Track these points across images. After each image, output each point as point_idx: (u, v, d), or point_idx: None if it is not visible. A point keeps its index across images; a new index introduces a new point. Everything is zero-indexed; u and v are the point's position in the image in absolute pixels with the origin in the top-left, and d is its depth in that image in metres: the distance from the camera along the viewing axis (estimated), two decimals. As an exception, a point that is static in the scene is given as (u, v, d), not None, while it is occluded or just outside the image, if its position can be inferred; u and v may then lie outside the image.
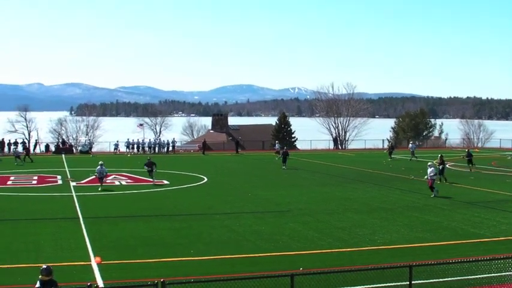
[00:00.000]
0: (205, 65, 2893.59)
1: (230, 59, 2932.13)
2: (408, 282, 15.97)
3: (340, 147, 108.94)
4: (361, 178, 48.70)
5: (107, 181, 45.74)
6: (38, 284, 14.06)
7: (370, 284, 18.06)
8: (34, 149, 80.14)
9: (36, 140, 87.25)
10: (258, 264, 21.20)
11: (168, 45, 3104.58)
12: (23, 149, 70.34)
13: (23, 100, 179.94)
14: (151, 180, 45.42)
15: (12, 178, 47.99)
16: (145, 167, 45.71)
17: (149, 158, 45.95)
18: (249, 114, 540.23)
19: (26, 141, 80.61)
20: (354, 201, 36.44)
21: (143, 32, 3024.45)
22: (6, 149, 78.25)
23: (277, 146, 73.13)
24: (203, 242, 24.72)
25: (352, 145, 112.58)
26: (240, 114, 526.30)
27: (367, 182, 46.09)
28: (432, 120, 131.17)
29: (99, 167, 41.25)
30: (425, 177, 39.66)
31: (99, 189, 40.35)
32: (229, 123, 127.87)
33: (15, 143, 77.30)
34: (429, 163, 40.39)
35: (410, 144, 71.34)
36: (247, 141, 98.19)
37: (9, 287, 16.89)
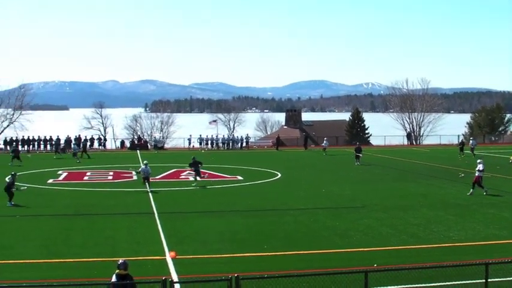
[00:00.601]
0: (278, 61, 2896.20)
1: (303, 54, 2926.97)
2: (484, 280, 15.71)
3: (414, 143, 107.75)
4: (436, 174, 48.03)
5: (182, 176, 46.20)
6: (114, 278, 14.24)
7: (445, 282, 17.82)
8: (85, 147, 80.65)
9: (89, 137, 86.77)
10: (332, 260, 21.11)
11: (242, 41, 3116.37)
12: (81, 146, 70.74)
13: (98, 97, 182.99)
14: (224, 175, 45.69)
15: (88, 174, 48.78)
16: (190, 167, 43.19)
17: (194, 157, 43.95)
18: (322, 110, 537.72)
19: (82, 138, 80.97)
20: (428, 197, 35.98)
21: (216, 29, 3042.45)
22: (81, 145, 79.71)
23: (324, 143, 71.88)
24: (277, 238, 24.73)
25: (426, 140, 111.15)
26: (313, 110, 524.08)
27: (442, 178, 45.46)
28: (508, 115, 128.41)
29: (143, 166, 39.43)
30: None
31: (148, 189, 38.51)
32: (302, 119, 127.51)
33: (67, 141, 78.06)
34: (478, 160, 39.26)
35: (471, 141, 69.53)
36: (320, 137, 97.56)
37: (85, 280, 17.17)
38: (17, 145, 71.43)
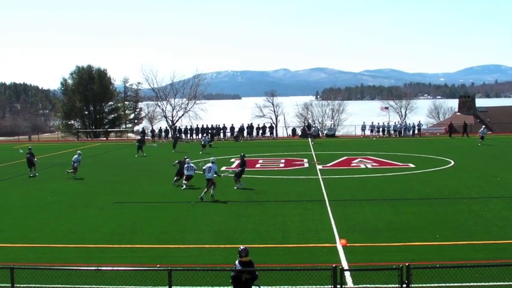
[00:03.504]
0: (451, 46, 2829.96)
1: (477, 38, 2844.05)
2: None
3: None
4: None
5: (353, 164, 46.17)
6: (238, 266, 14.42)
7: None
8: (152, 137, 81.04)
9: (261, 125, 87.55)
10: (507, 251, 20.47)
11: (412, 27, 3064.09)
12: (210, 136, 71.38)
13: (270, 86, 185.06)
14: (395, 163, 45.38)
15: (260, 161, 49.59)
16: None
17: (243, 154, 37.64)
18: (497, 96, 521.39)
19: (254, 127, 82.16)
20: None
21: (387, 16, 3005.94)
22: (254, 133, 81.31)
23: (481, 130, 67.46)
24: (449, 227, 24.27)
25: None
26: (487, 96, 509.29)
27: None
28: None
29: (210, 164, 33.29)
30: None
31: (183, 187, 36.18)
32: (476, 105, 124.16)
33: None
34: None
35: (481, 129, 65.32)
36: (495, 123, 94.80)
37: (257, 266, 17.57)
38: (143, 136, 71.89)
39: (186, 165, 36.68)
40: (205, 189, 32.34)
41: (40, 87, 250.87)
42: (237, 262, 14.61)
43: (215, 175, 32.84)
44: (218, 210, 29.00)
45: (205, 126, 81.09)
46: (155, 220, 26.82)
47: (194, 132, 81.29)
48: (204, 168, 33.28)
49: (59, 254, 21.14)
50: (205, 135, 70.65)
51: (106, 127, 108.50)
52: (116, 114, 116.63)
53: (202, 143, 60.91)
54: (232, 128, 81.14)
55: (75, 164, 42.02)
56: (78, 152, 44.43)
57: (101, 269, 16.85)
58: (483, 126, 67.85)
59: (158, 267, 17.95)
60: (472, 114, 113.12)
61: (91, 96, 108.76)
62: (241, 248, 14.75)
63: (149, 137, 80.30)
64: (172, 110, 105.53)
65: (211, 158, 35.01)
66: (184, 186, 36.11)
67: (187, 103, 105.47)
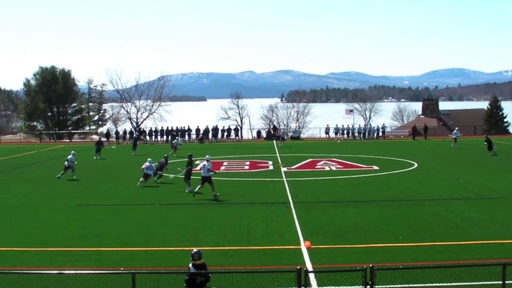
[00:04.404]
0: (415, 49, 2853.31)
1: (441, 42, 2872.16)
2: None
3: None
4: None
5: (317, 166, 46.38)
6: (191, 268, 14.46)
7: None
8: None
9: (226, 127, 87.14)
10: (469, 251, 20.74)
11: (378, 30, 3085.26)
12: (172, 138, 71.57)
13: (235, 88, 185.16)
14: (360, 165, 45.66)
15: (225, 163, 49.58)
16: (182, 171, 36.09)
17: (190, 154, 37.15)
18: (460, 99, 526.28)
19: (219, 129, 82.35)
20: None
21: (351, 18, 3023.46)
22: (219, 135, 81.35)
23: (454, 132, 67.49)
24: (412, 229, 24.46)
25: None
26: (450, 99, 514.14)
27: None
28: None
29: (205, 162, 33.73)
30: None
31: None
32: (439, 108, 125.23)
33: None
34: None
35: (454, 131, 65.93)
36: (458, 126, 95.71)
37: (221, 268, 17.54)
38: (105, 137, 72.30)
39: (148, 165, 37.52)
40: (201, 186, 33.04)
41: (2, 88, 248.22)
42: (190, 265, 14.64)
43: (210, 173, 33.25)
44: (183, 212, 28.96)
45: (169, 128, 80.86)
46: (119, 223, 26.69)
47: (159, 134, 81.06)
48: (200, 167, 34.30)
49: (21, 257, 20.93)
50: (177, 137, 70.49)
51: (69, 129, 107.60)
52: (79, 116, 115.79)
53: (174, 145, 60.56)
54: (197, 130, 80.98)
55: (71, 164, 41.87)
56: (72, 152, 44.23)
57: (63, 273, 16.72)
58: (456, 128, 67.76)
59: (122, 270, 17.87)
60: (436, 117, 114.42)
61: (54, 97, 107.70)
62: (194, 251, 14.81)
63: (113, 139, 79.83)
64: (137, 112, 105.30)
65: (207, 156, 35.14)
66: (138, 184, 37.28)
67: (152, 105, 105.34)
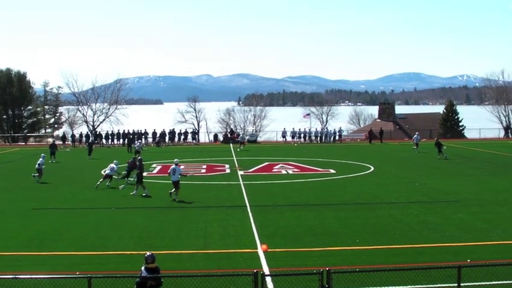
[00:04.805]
0: (372, 54, 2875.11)
1: (398, 46, 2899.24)
2: None
3: (511, 136, 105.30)
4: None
5: (274, 170, 46.42)
6: (144, 272, 14.38)
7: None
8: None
9: (183, 131, 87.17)
10: (424, 254, 20.90)
11: (335, 34, 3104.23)
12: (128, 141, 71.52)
13: (192, 91, 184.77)
14: (316, 169, 45.86)
15: (182, 167, 49.28)
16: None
17: (138, 157, 39.05)
18: (416, 103, 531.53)
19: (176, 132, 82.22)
20: (526, 192, 35.17)
21: (310, 22, 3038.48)
22: (176, 138, 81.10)
23: (415, 137, 67.58)
24: (368, 232, 24.61)
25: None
26: (407, 103, 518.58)
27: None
28: None
29: (173, 166, 33.89)
30: None
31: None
32: (396, 112, 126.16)
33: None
34: None
35: (415, 135, 66.41)
36: (414, 130, 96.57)
37: (178, 272, 17.43)
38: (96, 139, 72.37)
39: (112, 166, 38.24)
40: (176, 191, 33.07)
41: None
42: (143, 268, 14.53)
43: (180, 176, 33.41)
44: (139, 216, 28.77)
45: (126, 132, 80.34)
46: (75, 226, 26.42)
47: (115, 137, 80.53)
48: (168, 171, 33.86)
49: (-25, 262, 20.63)
50: (139, 141, 69.99)
51: (25, 132, 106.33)
52: (35, 119, 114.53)
53: (136, 148, 59.89)
54: (154, 134, 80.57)
55: (41, 167, 41.50)
56: (42, 155, 44.12)
57: (18, 277, 16.46)
58: (417, 133, 67.73)
59: (77, 274, 17.69)
60: (392, 121, 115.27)
61: (10, 100, 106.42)
62: (148, 254, 14.68)
63: (69, 142, 79.08)
64: (93, 115, 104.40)
65: (175, 160, 35.30)
66: (98, 183, 37.92)
67: (109, 108, 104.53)
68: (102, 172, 37.52)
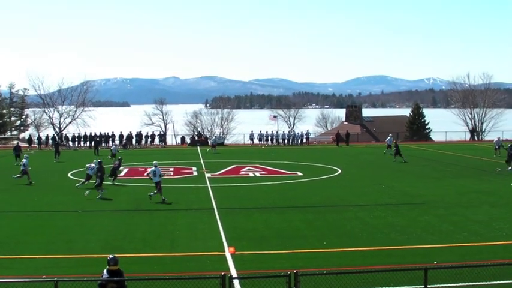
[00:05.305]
0: (339, 57, 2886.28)
1: (365, 50, 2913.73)
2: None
3: (476, 139, 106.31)
4: (499, 171, 47.20)
5: (242, 172, 46.44)
6: (105, 274, 14.32)
7: (506, 280, 17.56)
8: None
9: (150, 133, 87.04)
10: (391, 257, 21.03)
11: (302, 37, 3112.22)
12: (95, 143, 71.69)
13: (159, 94, 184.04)
14: (283, 171, 45.99)
15: (149, 170, 49.07)
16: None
17: (100, 161, 37.74)
18: (383, 106, 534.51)
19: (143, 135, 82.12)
20: (491, 194, 35.45)
21: (277, 25, 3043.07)
22: (143, 141, 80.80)
23: (388, 139, 67.34)
24: (336, 234, 24.70)
25: (489, 136, 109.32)
26: (374, 106, 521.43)
27: (506, 174, 44.66)
28: None
29: (153, 168, 34.53)
30: None
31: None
32: (363, 115, 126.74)
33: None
34: None
35: (388, 138, 65.58)
36: (381, 133, 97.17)
37: (145, 275, 17.38)
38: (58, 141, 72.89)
39: (91, 166, 38.35)
40: (159, 192, 33.31)
41: None
42: (105, 271, 14.43)
43: (160, 178, 33.92)
44: (106, 219, 28.62)
45: (92, 134, 79.82)
46: (41, 230, 26.21)
47: (82, 139, 79.98)
48: (148, 173, 34.59)
49: None
50: (114, 143, 69.57)
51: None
52: (0, 121, 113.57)
53: (113, 151, 59.35)
54: (120, 136, 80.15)
55: (25, 168, 41.24)
56: (26, 155, 44.22)
57: (-17, 281, 16.34)
58: (390, 135, 67.48)
59: (44, 278, 17.54)
60: (359, 124, 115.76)
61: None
62: (110, 257, 14.55)
63: (36, 145, 78.47)
64: (60, 117, 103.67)
65: (154, 162, 35.56)
66: (78, 184, 38.09)
67: (75, 110, 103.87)
68: (69, 175, 37.08)
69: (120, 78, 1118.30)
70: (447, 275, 16.68)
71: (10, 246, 23.01)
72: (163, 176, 36.75)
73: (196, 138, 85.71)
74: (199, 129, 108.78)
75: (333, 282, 16.27)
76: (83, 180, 38.47)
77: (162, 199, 33.06)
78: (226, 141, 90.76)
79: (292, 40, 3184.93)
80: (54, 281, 13.98)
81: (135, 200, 33.34)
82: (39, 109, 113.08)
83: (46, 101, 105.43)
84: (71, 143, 79.37)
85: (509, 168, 44.03)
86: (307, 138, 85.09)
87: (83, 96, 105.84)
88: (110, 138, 79.51)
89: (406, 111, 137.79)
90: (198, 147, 75.35)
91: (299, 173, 46.00)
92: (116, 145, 65.23)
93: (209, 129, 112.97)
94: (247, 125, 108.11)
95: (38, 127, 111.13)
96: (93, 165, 38.18)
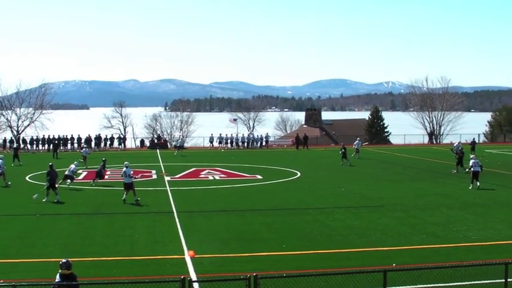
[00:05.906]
0: (298, 60, 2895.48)
1: (324, 53, 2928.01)
2: (504, 280, 15.64)
3: (434, 142, 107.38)
4: (456, 173, 47.70)
5: (201, 175, 46.39)
6: (58, 278, 14.23)
7: (465, 281, 17.70)
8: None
9: (109, 136, 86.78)
10: (351, 259, 21.13)
11: (262, 40, 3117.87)
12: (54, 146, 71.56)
13: (119, 96, 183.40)
14: (243, 174, 46.09)
15: (108, 173, 48.82)
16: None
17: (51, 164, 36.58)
18: (342, 109, 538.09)
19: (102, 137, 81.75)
20: (448, 197, 35.85)
21: (236, 27, 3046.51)
22: (102, 144, 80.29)
23: (356, 143, 67.04)
24: (296, 237, 24.77)
25: (447, 139, 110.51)
26: (333, 109, 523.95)
27: (462, 177, 45.11)
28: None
29: (125, 169, 34.55)
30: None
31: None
32: (322, 118, 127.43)
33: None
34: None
35: (356, 141, 64.81)
36: (340, 136, 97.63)
37: (104, 279, 17.27)
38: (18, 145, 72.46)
39: (72, 167, 39.47)
40: (126, 193, 33.63)
41: None
42: (57, 275, 14.32)
43: (132, 179, 34.21)
44: (65, 222, 28.37)
45: (51, 137, 79.08)
46: (-1, 233, 25.94)
47: (40, 142, 79.20)
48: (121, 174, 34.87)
49: None
50: (85, 146, 69.02)
51: None
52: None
53: (84, 154, 58.52)
54: (79, 139, 79.51)
55: (2, 170, 40.90)
56: (1, 156, 43.36)
57: None
58: (358, 138, 66.77)
59: (2, 282, 17.37)
60: (318, 127, 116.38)
61: None
62: (63, 261, 14.43)
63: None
64: (18, 120, 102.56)
65: (126, 162, 35.36)
66: (64, 185, 38.70)
67: (34, 113, 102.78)
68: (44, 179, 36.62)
69: (79, 80, 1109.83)
70: (406, 277, 16.80)
71: (-34, 251, 22.73)
72: (133, 177, 35.72)
73: (156, 141, 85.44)
74: (158, 132, 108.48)
75: (292, 285, 16.29)
76: (68, 181, 39.27)
77: (136, 199, 33.42)
78: (186, 144, 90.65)
79: (252, 43, 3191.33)
80: (11, 286, 13.85)
81: (93, 204, 33.11)
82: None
83: (4, 103, 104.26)
84: (29, 146, 78.59)
85: (467, 170, 44.46)
86: (267, 141, 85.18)
87: (41, 99, 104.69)
88: (69, 141, 78.88)
89: (365, 115, 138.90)
90: (158, 150, 75.08)
91: (259, 176, 46.07)
92: (85, 147, 64.66)
93: (168, 132, 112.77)
94: (207, 128, 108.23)
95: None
96: (73, 166, 38.82)
